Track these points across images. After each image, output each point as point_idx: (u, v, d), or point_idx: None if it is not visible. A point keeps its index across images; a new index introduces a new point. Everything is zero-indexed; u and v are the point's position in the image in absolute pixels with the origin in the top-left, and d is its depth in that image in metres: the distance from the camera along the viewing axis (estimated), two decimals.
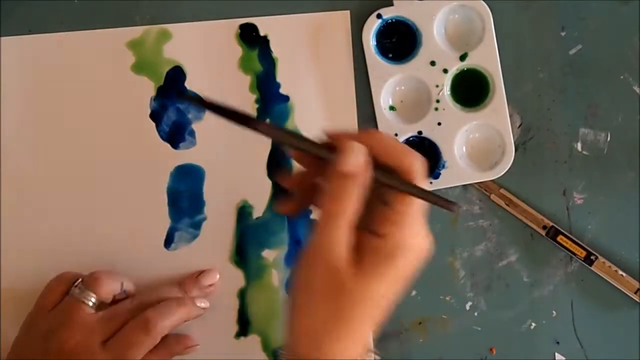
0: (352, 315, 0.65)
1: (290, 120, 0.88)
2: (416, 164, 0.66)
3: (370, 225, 0.66)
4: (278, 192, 0.88)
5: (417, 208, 0.67)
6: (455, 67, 0.86)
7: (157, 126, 0.88)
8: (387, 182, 0.66)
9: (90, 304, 0.82)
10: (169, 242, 0.89)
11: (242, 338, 0.89)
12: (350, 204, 0.65)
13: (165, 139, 0.88)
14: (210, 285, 0.87)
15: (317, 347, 0.66)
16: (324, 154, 0.66)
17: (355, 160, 0.65)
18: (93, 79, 0.88)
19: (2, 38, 0.87)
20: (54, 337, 0.80)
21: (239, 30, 0.88)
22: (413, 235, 0.67)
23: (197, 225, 0.89)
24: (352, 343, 0.66)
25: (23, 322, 0.83)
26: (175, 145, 0.88)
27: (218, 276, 0.88)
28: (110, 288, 0.83)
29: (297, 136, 0.67)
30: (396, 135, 0.87)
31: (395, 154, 0.67)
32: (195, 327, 0.87)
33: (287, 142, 0.67)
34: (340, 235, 0.65)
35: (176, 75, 0.88)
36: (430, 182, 0.87)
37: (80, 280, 0.83)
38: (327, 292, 0.65)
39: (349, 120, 0.88)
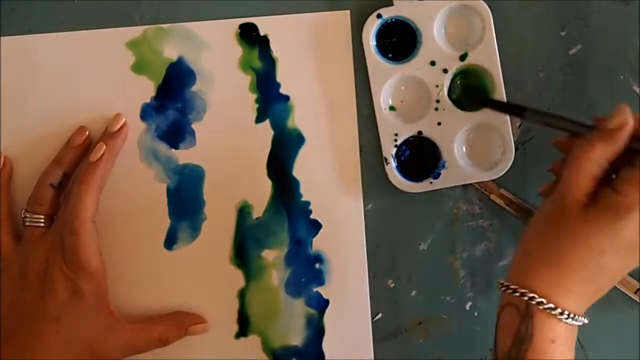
0: (569, 255, 0.72)
1: (290, 120, 0.88)
2: None
3: (613, 184, 0.72)
4: (278, 191, 0.88)
5: None
6: (455, 66, 0.86)
7: (156, 126, 0.88)
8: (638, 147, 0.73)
9: (42, 224, 0.85)
10: (169, 242, 0.89)
11: (242, 338, 0.90)
12: (597, 154, 0.73)
13: (165, 139, 0.88)
14: (120, 130, 0.87)
15: (526, 270, 0.74)
16: (589, 130, 0.75)
17: (620, 120, 0.72)
18: (93, 79, 0.88)
19: (2, 38, 0.87)
20: (28, 270, 0.84)
21: (239, 30, 0.88)
22: None
23: (197, 226, 0.89)
24: (559, 283, 0.72)
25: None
26: (175, 145, 0.88)
27: (124, 119, 0.88)
28: (46, 199, 0.86)
29: (566, 119, 0.77)
30: (396, 135, 0.87)
31: None
32: None
33: (556, 124, 0.77)
34: (581, 179, 0.72)
35: (176, 75, 0.88)
36: (430, 182, 0.87)
37: (24, 210, 0.86)
38: (553, 222, 0.74)
39: (349, 120, 0.88)
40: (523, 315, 0.72)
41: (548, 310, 0.72)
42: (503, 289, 0.75)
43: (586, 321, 0.74)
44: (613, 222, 0.71)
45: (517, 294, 0.73)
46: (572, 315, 0.73)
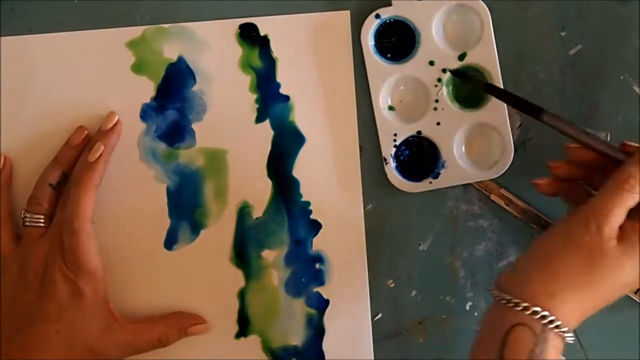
0: (598, 284, 0.73)
1: (290, 120, 0.88)
2: None
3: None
4: (278, 191, 0.88)
5: None
6: (454, 66, 0.86)
7: (156, 126, 0.88)
8: None
9: (42, 224, 0.85)
10: (169, 242, 0.89)
11: (242, 338, 0.90)
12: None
13: (165, 139, 0.88)
14: (113, 128, 0.87)
15: (550, 293, 0.73)
16: (618, 153, 0.77)
17: None
18: (93, 79, 0.88)
19: (2, 38, 0.87)
20: (28, 270, 0.84)
21: (239, 30, 0.88)
22: None
23: (197, 226, 0.89)
24: (578, 309, 0.73)
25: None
26: (175, 145, 0.88)
27: (117, 117, 0.87)
28: (46, 199, 0.86)
29: (588, 134, 0.77)
30: (395, 135, 0.87)
31: None
32: None
33: (575, 136, 0.77)
34: (620, 210, 0.73)
35: (176, 75, 0.88)
36: (430, 182, 0.87)
37: (24, 210, 0.86)
38: (586, 250, 0.73)
39: (349, 120, 0.88)
40: (539, 338, 0.72)
41: (562, 334, 0.72)
42: (516, 307, 0.73)
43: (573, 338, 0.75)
44: None
45: (537, 317, 0.72)
46: (571, 335, 0.74)
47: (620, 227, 0.73)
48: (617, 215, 0.72)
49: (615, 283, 0.73)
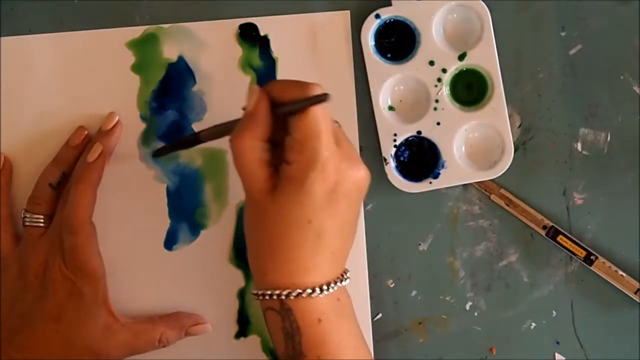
0: (283, 240, 0.73)
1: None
2: (299, 87, 0.73)
3: (284, 157, 0.73)
4: None
5: (314, 133, 0.71)
6: (454, 66, 0.86)
7: (156, 126, 0.88)
8: (282, 110, 0.73)
9: (42, 224, 0.85)
10: (169, 242, 0.89)
11: (242, 338, 0.90)
12: (248, 140, 0.73)
13: (165, 139, 0.88)
14: (113, 129, 0.87)
15: (263, 273, 0.74)
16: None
17: (253, 100, 0.74)
18: (93, 79, 0.88)
19: (2, 38, 0.87)
20: (28, 270, 0.84)
21: (239, 30, 0.88)
22: (317, 160, 0.71)
23: (197, 226, 0.89)
24: (296, 267, 0.73)
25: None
26: None
27: (117, 117, 0.88)
28: (46, 199, 0.86)
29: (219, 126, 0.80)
30: (395, 135, 0.87)
31: (284, 87, 0.75)
32: None
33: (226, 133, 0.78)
34: (250, 169, 0.74)
35: (176, 75, 0.88)
36: (430, 182, 0.87)
37: (24, 210, 0.86)
38: (255, 222, 0.75)
39: (349, 120, 0.88)
40: (282, 314, 0.73)
41: (297, 297, 0.72)
42: (257, 299, 0.75)
43: (342, 283, 0.75)
44: (300, 190, 0.72)
45: (267, 297, 0.74)
46: (323, 288, 0.73)
47: (276, 175, 0.74)
48: (251, 174, 0.74)
49: (300, 229, 0.73)
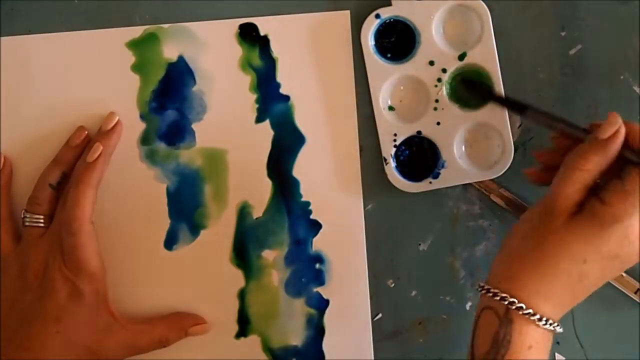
0: (551, 262, 0.73)
1: (290, 120, 0.88)
2: None
3: (600, 194, 0.72)
4: (278, 191, 0.88)
5: None
6: (454, 66, 0.86)
7: (156, 126, 0.88)
8: (629, 156, 0.73)
9: (42, 224, 0.86)
10: (169, 242, 0.89)
11: (242, 338, 0.90)
12: (590, 165, 0.73)
13: (165, 139, 0.88)
14: (113, 128, 0.87)
15: (509, 276, 0.75)
16: (583, 134, 0.76)
17: (613, 130, 0.73)
18: (93, 79, 0.88)
19: (2, 38, 0.87)
20: (28, 270, 0.84)
21: (239, 30, 0.88)
22: (631, 216, 0.71)
23: (197, 226, 0.89)
24: (539, 290, 0.73)
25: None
26: (175, 145, 0.88)
27: (117, 117, 0.88)
28: (45, 199, 0.86)
29: (566, 122, 0.77)
30: (395, 135, 0.87)
31: None
32: None
33: (555, 126, 0.78)
34: (572, 189, 0.73)
35: (176, 75, 0.88)
36: (430, 182, 0.87)
37: (24, 210, 0.86)
38: (539, 228, 0.74)
39: (349, 120, 0.88)
40: (502, 320, 0.73)
41: (527, 316, 0.72)
42: (483, 291, 0.75)
43: (560, 330, 0.75)
44: (598, 231, 0.72)
45: (497, 298, 0.73)
46: (549, 322, 0.73)
47: (581, 205, 0.73)
48: (567, 193, 0.73)
49: (571, 259, 0.72)
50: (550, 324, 0.73)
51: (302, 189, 0.89)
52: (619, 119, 0.73)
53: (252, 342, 0.90)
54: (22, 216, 0.85)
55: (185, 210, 0.89)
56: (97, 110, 0.88)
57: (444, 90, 0.86)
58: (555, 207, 0.73)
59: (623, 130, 0.73)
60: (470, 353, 0.76)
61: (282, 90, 0.88)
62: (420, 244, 0.89)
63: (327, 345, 0.90)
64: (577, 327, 0.88)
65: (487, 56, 0.85)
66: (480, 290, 0.76)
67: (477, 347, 0.75)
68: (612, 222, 0.71)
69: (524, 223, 0.77)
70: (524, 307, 0.72)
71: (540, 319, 0.72)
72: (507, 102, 0.84)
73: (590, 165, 0.73)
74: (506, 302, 0.73)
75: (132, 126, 0.88)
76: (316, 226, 0.89)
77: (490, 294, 0.74)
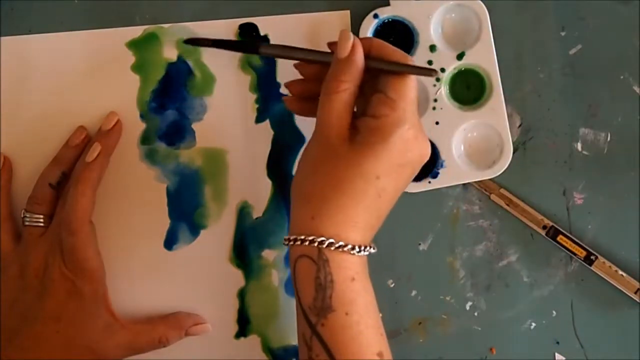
0: (348, 187, 0.72)
1: (290, 119, 0.88)
2: (404, 56, 0.76)
3: (369, 111, 0.74)
4: (278, 191, 0.89)
5: (408, 97, 0.73)
6: (453, 66, 0.86)
7: (156, 126, 0.88)
8: (378, 65, 0.75)
9: (41, 224, 0.86)
10: (169, 242, 0.89)
11: (242, 338, 0.90)
12: (345, 85, 0.74)
13: (165, 139, 0.88)
14: (113, 128, 0.87)
15: (311, 217, 0.73)
16: (327, 57, 0.77)
17: (349, 44, 0.75)
18: (93, 79, 0.88)
19: (2, 38, 0.88)
20: (28, 270, 0.84)
21: (239, 30, 0.88)
22: (405, 121, 0.73)
23: (197, 226, 0.89)
24: (344, 220, 0.72)
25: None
26: (175, 145, 0.89)
27: (117, 117, 0.88)
28: (45, 199, 0.86)
29: (302, 50, 0.80)
30: None
31: (385, 48, 0.76)
32: None
33: (293, 56, 0.80)
34: (336, 111, 0.74)
35: (176, 74, 0.88)
36: (429, 182, 0.87)
37: (23, 210, 0.86)
38: (324, 161, 0.74)
39: None
40: (318, 262, 0.72)
41: (340, 249, 0.72)
42: (291, 242, 0.74)
43: (374, 250, 0.75)
44: (380, 145, 0.72)
45: (307, 243, 0.72)
46: (363, 248, 0.73)
47: (354, 127, 0.74)
48: (335, 118, 0.74)
49: (364, 178, 0.72)
50: (365, 249, 0.73)
51: None
52: (349, 33, 0.75)
53: (252, 342, 0.90)
54: (22, 216, 0.85)
55: (185, 210, 0.89)
56: (97, 110, 0.88)
57: (443, 89, 0.86)
58: (330, 135, 0.73)
59: (358, 41, 0.75)
60: (299, 308, 0.74)
61: (282, 90, 0.88)
62: (420, 244, 0.89)
63: None
64: (577, 327, 0.88)
65: (485, 56, 0.86)
66: (289, 243, 0.74)
67: (303, 299, 0.73)
68: (391, 132, 0.72)
69: (305, 163, 0.76)
70: (334, 241, 0.72)
71: (353, 248, 0.72)
72: (234, 45, 0.86)
73: (345, 85, 0.74)
74: (316, 244, 0.72)
75: (132, 126, 0.88)
76: None
77: (299, 242, 0.73)
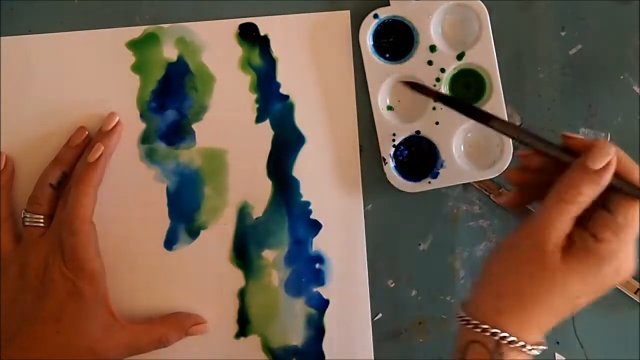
0: (544, 302, 0.70)
1: (290, 120, 0.88)
2: None
3: (590, 228, 0.70)
4: (278, 191, 0.89)
5: (636, 226, 0.70)
6: (453, 66, 0.86)
7: (156, 126, 0.88)
8: (619, 184, 0.70)
9: (42, 224, 0.86)
10: (168, 242, 0.89)
11: (242, 338, 0.90)
12: (583, 197, 0.70)
13: (165, 139, 0.88)
14: (113, 129, 0.88)
15: (498, 310, 0.71)
16: (565, 156, 0.72)
17: (606, 160, 0.69)
18: (93, 79, 0.88)
19: (2, 38, 0.88)
20: (28, 270, 0.84)
21: (239, 30, 0.88)
22: (627, 251, 0.70)
23: (197, 226, 0.89)
24: (530, 323, 0.71)
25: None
26: (175, 145, 0.89)
27: (118, 118, 0.88)
28: (46, 199, 0.86)
29: (538, 138, 0.73)
30: (394, 135, 0.87)
31: (628, 164, 0.71)
32: None
33: (525, 140, 0.73)
34: (562, 222, 0.70)
35: (176, 74, 0.88)
36: (429, 182, 0.87)
37: (24, 210, 0.86)
38: (530, 263, 0.71)
39: (349, 120, 0.88)
40: (493, 354, 0.71)
41: (519, 349, 0.71)
42: (470, 325, 0.72)
43: (545, 347, 0.73)
44: (594, 269, 0.70)
45: (487, 334, 0.71)
46: (536, 347, 0.72)
47: (569, 237, 0.70)
48: (559, 228, 0.70)
49: (565, 296, 0.70)
50: (539, 346, 0.72)
51: (302, 189, 0.89)
52: (612, 148, 0.70)
53: (252, 342, 0.90)
54: (22, 216, 0.85)
55: (185, 210, 0.89)
56: (97, 110, 0.88)
57: (443, 89, 0.86)
58: (547, 242, 0.70)
59: (615, 161, 0.70)
60: None
61: (282, 90, 0.88)
62: (420, 244, 0.89)
63: (327, 345, 0.90)
64: (577, 327, 0.88)
65: (485, 56, 0.85)
66: (465, 324, 0.73)
67: None
68: (610, 259, 0.69)
69: (508, 252, 0.73)
70: (516, 340, 0.70)
71: (531, 348, 0.71)
72: (471, 111, 0.78)
73: (583, 198, 0.70)
74: (497, 337, 0.71)
75: (132, 126, 0.88)
76: (316, 226, 0.89)
77: (479, 330, 0.71)
